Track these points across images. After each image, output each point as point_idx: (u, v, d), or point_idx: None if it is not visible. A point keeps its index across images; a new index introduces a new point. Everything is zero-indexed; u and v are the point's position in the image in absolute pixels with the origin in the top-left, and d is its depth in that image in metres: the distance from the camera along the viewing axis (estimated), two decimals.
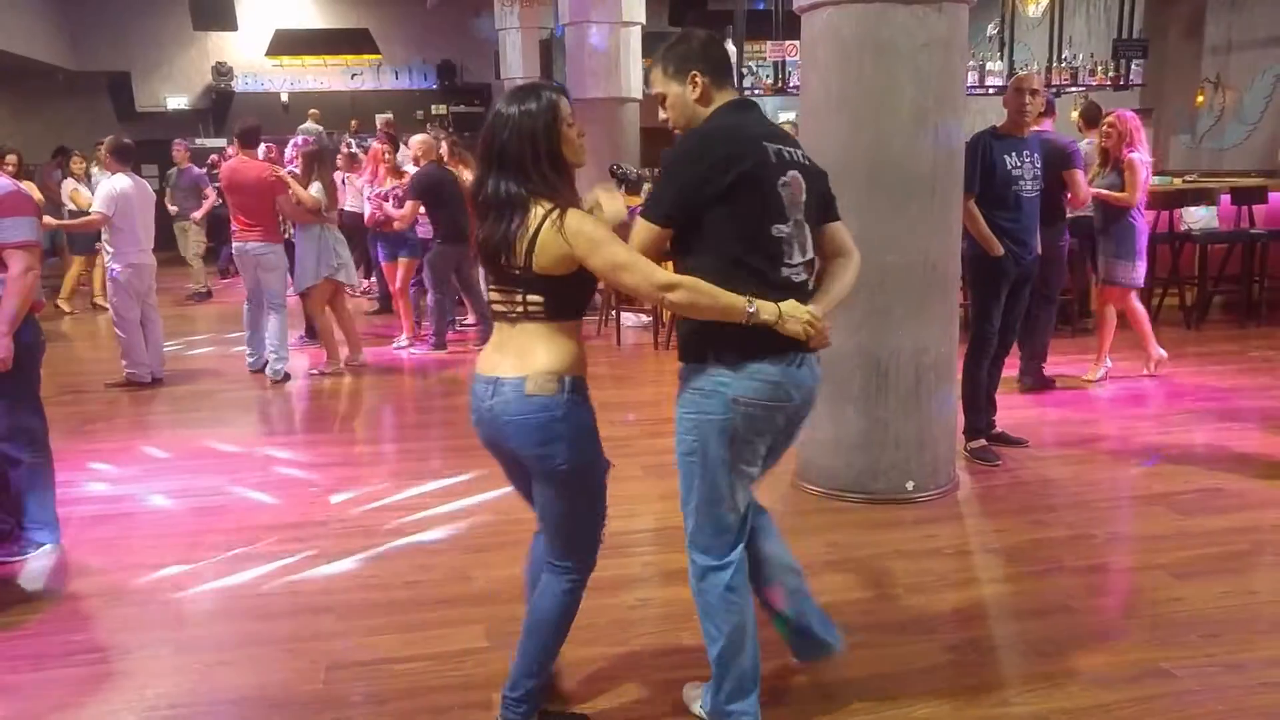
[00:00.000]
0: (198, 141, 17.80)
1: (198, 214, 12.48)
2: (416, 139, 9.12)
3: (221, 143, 17.36)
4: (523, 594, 3.26)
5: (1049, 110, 6.64)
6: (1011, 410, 6.14)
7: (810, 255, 2.89)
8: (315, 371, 8.09)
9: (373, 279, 11.59)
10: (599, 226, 2.66)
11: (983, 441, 5.59)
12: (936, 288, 4.86)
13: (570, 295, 2.74)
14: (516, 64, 15.13)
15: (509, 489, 5.21)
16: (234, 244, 7.90)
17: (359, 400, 7.52)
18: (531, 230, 2.62)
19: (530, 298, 2.71)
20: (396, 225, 8.59)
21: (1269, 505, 4.83)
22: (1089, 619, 3.74)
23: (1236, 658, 3.43)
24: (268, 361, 7.96)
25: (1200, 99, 13.47)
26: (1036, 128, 6.36)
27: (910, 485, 4.89)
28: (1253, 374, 7.30)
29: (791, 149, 2.88)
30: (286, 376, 7.89)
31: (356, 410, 7.32)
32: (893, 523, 4.69)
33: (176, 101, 18.83)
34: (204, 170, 13.24)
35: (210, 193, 12.57)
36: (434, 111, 19.05)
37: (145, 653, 3.67)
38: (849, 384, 4.87)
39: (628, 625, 3.76)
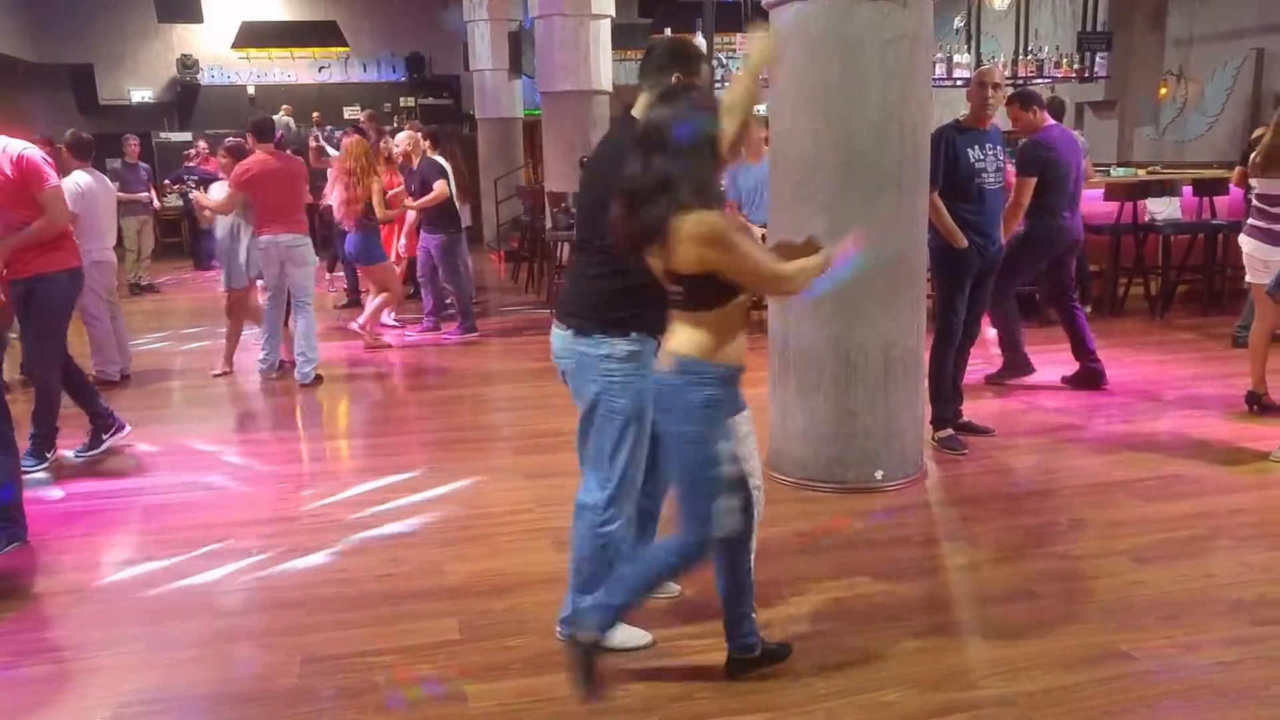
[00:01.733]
0: (162, 135, 17.62)
1: (140, 195, 12.37)
2: (402, 136, 9.14)
3: (187, 136, 17.20)
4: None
5: (1040, 102, 6.68)
6: (978, 400, 6.23)
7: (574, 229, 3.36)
8: (219, 373, 7.91)
9: (339, 273, 11.57)
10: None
11: (950, 431, 5.67)
12: (904, 280, 4.93)
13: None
14: (485, 56, 15.09)
15: (481, 484, 5.28)
16: (262, 238, 7.50)
17: (329, 396, 7.50)
18: None
19: None
20: (415, 205, 8.64)
21: (1227, 491, 4.94)
22: (1052, 604, 3.82)
23: (1194, 639, 3.52)
24: (283, 363, 7.84)
25: (1163, 91, 13.63)
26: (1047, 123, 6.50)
27: (879, 474, 4.97)
28: (1214, 362, 7.43)
29: None
30: (318, 379, 7.63)
31: (327, 406, 7.31)
32: (862, 511, 4.76)
33: (140, 94, 18.59)
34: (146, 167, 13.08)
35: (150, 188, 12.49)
36: (402, 104, 18.99)
37: (117, 649, 3.66)
38: (818, 375, 4.93)
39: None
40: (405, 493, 5.20)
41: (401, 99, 19.20)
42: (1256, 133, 7.82)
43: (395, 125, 14.61)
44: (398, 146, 9.09)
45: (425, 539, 4.62)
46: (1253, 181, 6.15)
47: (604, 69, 11.42)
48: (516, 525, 4.74)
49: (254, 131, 7.71)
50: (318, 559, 4.41)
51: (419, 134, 9.33)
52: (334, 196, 8.61)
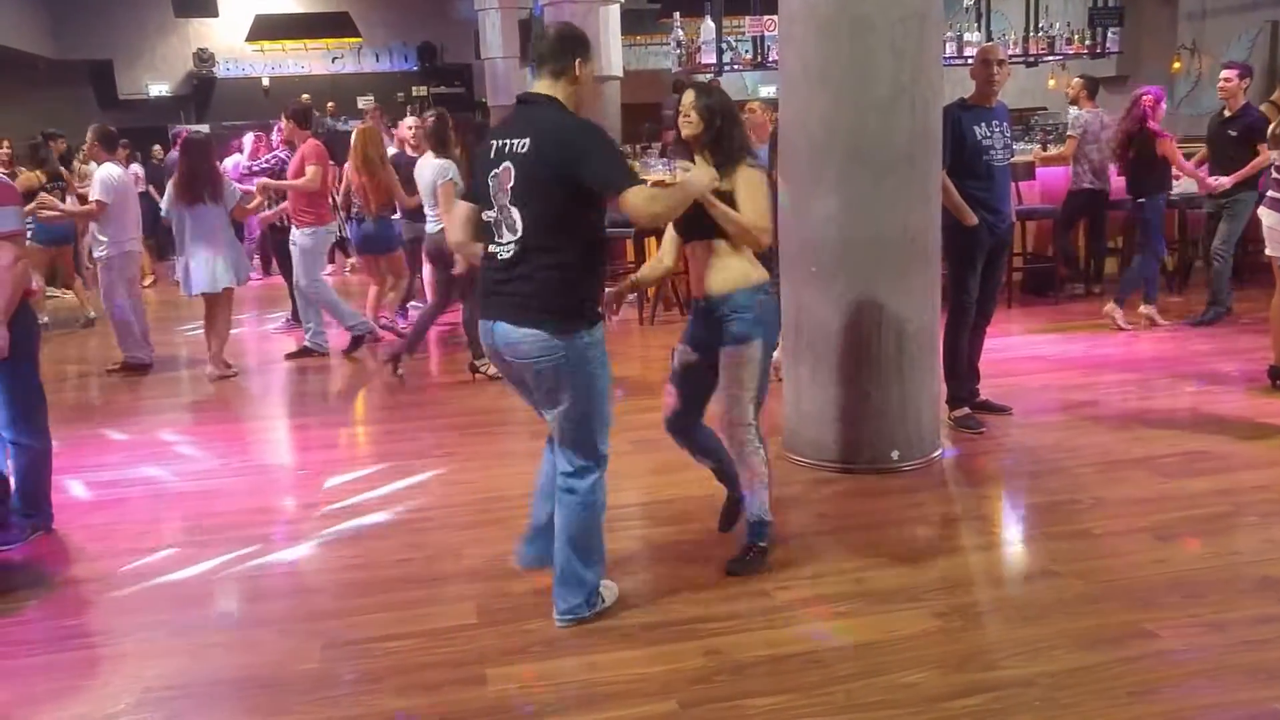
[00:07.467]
0: (179, 128, 17.78)
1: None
2: (412, 120, 9.05)
3: (204, 128, 17.26)
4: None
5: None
6: (995, 378, 6.17)
7: (520, 234, 3.27)
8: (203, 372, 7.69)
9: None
10: None
11: (966, 410, 5.62)
12: (917, 259, 4.89)
13: None
14: (497, 44, 15.10)
15: (499, 467, 5.21)
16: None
17: (346, 383, 7.52)
18: None
19: None
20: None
21: (1250, 467, 4.89)
22: (1073, 583, 3.78)
23: (1220, 617, 3.48)
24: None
25: (1177, 65, 13.50)
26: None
27: (895, 455, 4.93)
28: (1235, 336, 7.35)
29: (515, 140, 3.27)
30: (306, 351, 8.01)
31: (342, 393, 7.34)
32: (879, 492, 4.72)
33: (159, 88, 18.94)
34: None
35: None
36: (415, 93, 19.07)
37: (141, 635, 3.70)
38: (832, 356, 4.90)
39: (620, 600, 3.76)
40: (423, 478, 5.20)
41: (414, 88, 19.32)
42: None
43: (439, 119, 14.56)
44: (409, 130, 8.96)
45: (443, 523, 4.62)
46: (1273, 154, 6.06)
47: (614, 54, 11.41)
48: None
49: (295, 116, 7.92)
50: (337, 545, 4.43)
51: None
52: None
